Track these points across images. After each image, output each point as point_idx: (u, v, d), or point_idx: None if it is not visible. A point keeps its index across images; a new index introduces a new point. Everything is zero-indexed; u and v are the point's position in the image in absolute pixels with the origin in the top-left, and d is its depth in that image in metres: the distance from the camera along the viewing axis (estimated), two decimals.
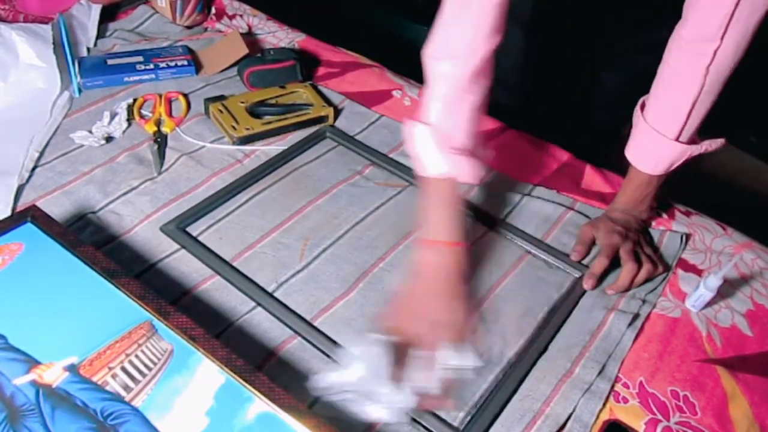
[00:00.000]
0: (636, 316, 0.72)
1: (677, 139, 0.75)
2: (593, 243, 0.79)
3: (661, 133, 0.75)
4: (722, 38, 0.66)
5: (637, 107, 0.78)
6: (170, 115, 0.93)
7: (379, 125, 0.97)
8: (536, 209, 0.85)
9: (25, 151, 0.83)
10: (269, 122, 0.92)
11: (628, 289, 0.75)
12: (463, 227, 0.70)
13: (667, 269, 0.78)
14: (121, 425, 0.51)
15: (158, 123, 0.91)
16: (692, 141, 0.76)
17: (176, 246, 0.74)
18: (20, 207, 0.76)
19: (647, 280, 0.76)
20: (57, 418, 0.51)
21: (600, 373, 0.66)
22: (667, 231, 0.83)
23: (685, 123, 0.73)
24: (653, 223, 0.85)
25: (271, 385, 0.55)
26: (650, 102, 0.76)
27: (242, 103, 0.94)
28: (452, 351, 0.63)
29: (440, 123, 0.69)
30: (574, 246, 0.79)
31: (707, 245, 0.83)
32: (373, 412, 0.59)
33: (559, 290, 0.75)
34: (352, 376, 0.59)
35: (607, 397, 0.65)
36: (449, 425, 0.60)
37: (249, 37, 1.13)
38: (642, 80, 0.77)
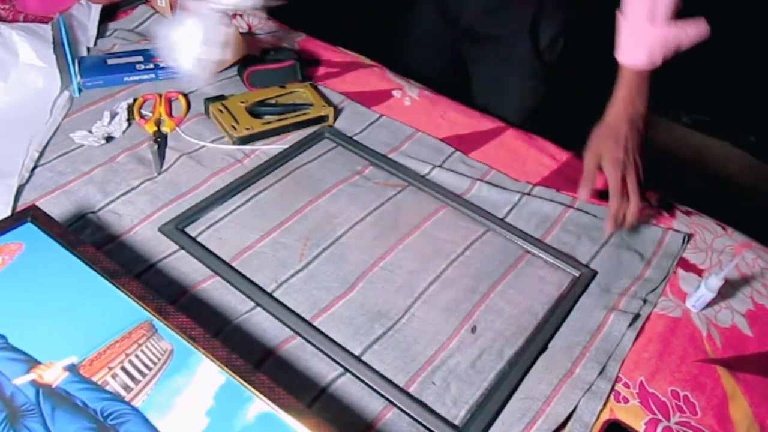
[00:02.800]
0: (636, 316, 0.72)
1: (652, 23, 0.77)
2: (599, 170, 0.81)
3: (635, 22, 0.78)
4: None
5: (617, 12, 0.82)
6: (170, 114, 0.93)
7: (379, 125, 0.97)
8: (536, 208, 0.85)
9: (25, 151, 0.83)
10: (269, 122, 0.92)
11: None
12: None
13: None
14: (121, 425, 0.51)
15: (158, 123, 0.91)
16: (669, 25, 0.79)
17: (176, 246, 0.74)
18: (20, 207, 0.76)
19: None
20: (57, 418, 0.51)
21: (600, 373, 0.66)
22: (669, 230, 0.84)
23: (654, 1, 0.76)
24: (654, 221, 0.85)
25: (271, 385, 0.55)
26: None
27: (242, 103, 0.94)
28: None
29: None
30: (581, 183, 0.81)
31: (708, 245, 0.83)
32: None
33: (559, 289, 0.75)
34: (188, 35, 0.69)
35: (608, 397, 0.65)
36: (449, 423, 0.60)
37: (249, 37, 1.13)
38: None
